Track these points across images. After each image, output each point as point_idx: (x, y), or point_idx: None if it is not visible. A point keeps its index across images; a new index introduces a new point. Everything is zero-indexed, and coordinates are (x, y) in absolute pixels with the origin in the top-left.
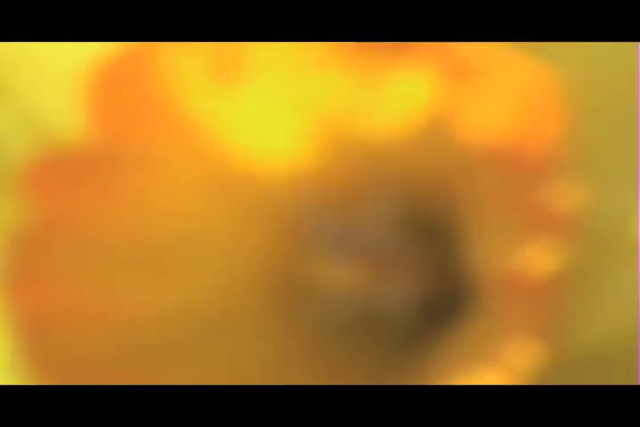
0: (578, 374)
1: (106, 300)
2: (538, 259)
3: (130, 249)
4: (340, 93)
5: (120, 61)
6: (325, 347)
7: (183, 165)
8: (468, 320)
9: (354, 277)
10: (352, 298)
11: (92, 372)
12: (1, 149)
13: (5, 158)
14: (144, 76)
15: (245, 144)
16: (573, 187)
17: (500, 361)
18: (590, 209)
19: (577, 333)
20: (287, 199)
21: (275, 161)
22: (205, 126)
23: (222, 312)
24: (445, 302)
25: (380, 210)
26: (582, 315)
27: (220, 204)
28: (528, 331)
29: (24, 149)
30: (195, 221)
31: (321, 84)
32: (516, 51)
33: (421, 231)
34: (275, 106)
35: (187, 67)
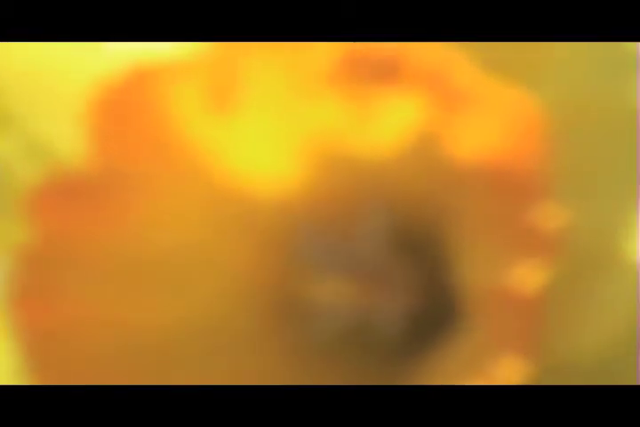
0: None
1: (106, 312)
2: (526, 274)
3: (129, 265)
4: (330, 114)
5: (122, 87)
6: (315, 360)
7: (180, 186)
8: (456, 335)
9: (344, 292)
10: (342, 312)
11: (93, 378)
12: (7, 172)
13: (11, 181)
14: (144, 102)
15: (240, 164)
16: (562, 202)
17: (489, 376)
18: (580, 223)
19: (570, 345)
20: (279, 216)
21: (267, 180)
22: (201, 148)
23: (219, 322)
24: (434, 316)
25: (369, 226)
26: (574, 329)
27: (215, 221)
28: (516, 346)
29: (29, 173)
30: (191, 238)
31: (313, 107)
32: (502, 79)
33: (410, 247)
34: (267, 128)
35: (184, 92)
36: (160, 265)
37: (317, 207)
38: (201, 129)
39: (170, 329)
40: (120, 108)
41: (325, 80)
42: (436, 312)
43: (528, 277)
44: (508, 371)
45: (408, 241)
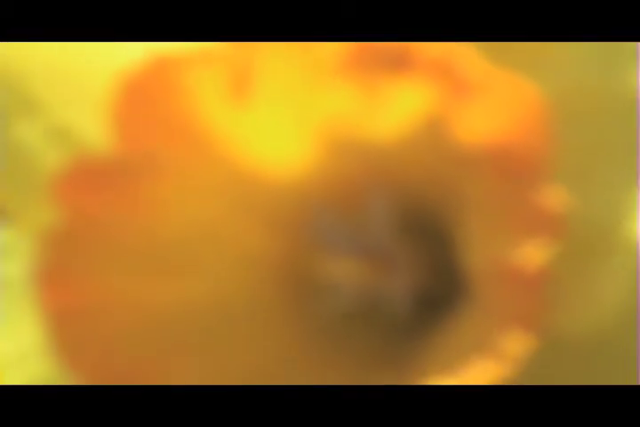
0: (572, 360)
1: (131, 293)
2: (531, 253)
3: (152, 247)
4: (342, 102)
5: (144, 75)
6: (323, 338)
7: (200, 169)
8: (463, 313)
9: (352, 272)
10: (350, 291)
11: (114, 362)
12: (34, 157)
13: (38, 165)
14: (165, 89)
15: (256, 149)
16: (565, 184)
17: (494, 351)
18: (582, 204)
19: (573, 322)
20: (292, 198)
21: (282, 164)
22: (220, 133)
23: (235, 305)
24: (441, 295)
25: (378, 208)
26: (577, 305)
27: (232, 202)
28: (521, 322)
29: (55, 158)
30: (210, 223)
31: (325, 95)
32: (509, 68)
33: (418, 228)
34: (282, 114)
35: (204, 80)
36: (182, 246)
37: (329, 190)
38: (219, 115)
39: (189, 307)
40: (142, 95)
41: (338, 69)
42: (442, 291)
43: (532, 256)
44: (514, 347)
45: (416, 222)
